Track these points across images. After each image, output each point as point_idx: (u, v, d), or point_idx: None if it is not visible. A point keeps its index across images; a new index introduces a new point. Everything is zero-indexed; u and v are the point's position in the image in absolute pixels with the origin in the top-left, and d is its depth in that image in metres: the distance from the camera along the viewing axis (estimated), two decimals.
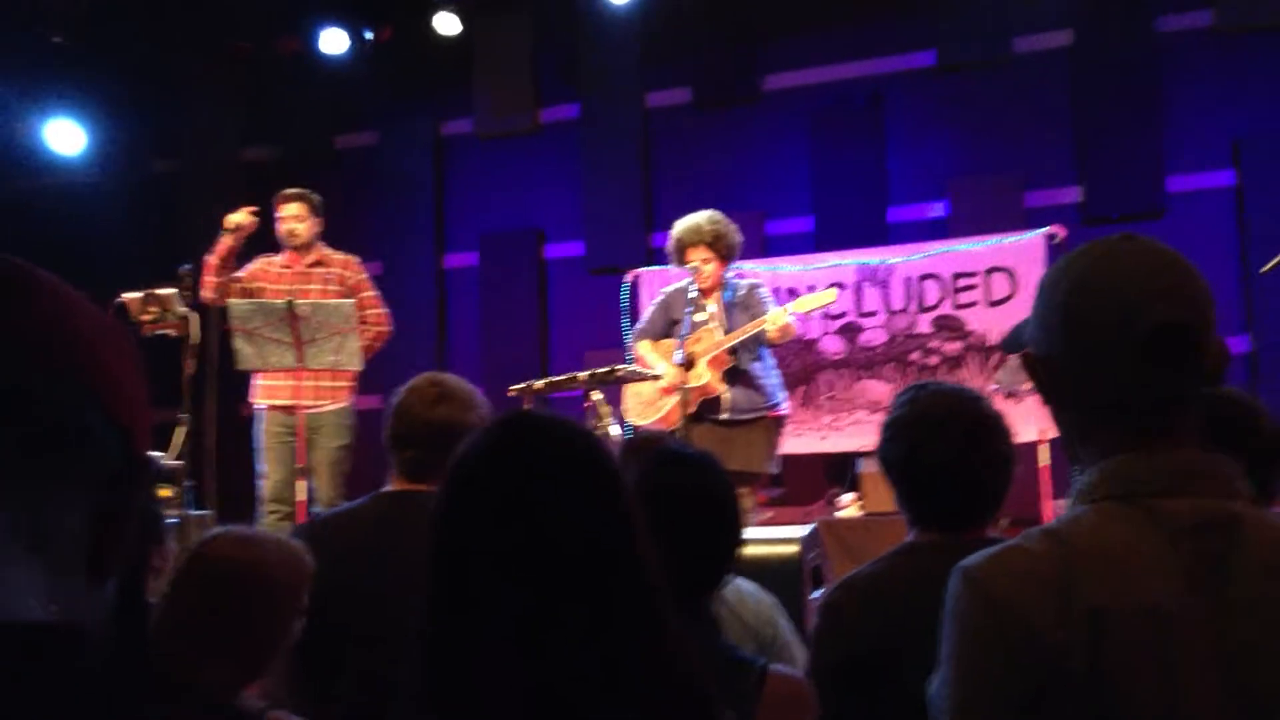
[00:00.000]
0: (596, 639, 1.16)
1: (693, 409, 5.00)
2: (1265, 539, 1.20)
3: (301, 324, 5.03)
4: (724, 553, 1.86)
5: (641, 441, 1.99)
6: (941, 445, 2.02)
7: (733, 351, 5.11)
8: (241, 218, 5.47)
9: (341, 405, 5.61)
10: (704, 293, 5.20)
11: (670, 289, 5.44)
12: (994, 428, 2.07)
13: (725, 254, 5.20)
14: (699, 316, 5.14)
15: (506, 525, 1.19)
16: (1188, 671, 1.14)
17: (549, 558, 1.18)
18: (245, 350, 5.12)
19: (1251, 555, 1.18)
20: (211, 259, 5.51)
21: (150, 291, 5.24)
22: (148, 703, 0.63)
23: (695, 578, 1.81)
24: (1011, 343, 1.55)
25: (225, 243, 5.47)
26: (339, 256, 5.76)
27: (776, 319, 4.91)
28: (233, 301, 5.18)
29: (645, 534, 1.24)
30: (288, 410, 5.46)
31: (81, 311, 0.75)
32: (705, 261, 5.14)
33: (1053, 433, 5.45)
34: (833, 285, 6.96)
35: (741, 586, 2.39)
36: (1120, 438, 1.26)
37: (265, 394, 5.58)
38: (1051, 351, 1.32)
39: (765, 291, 5.33)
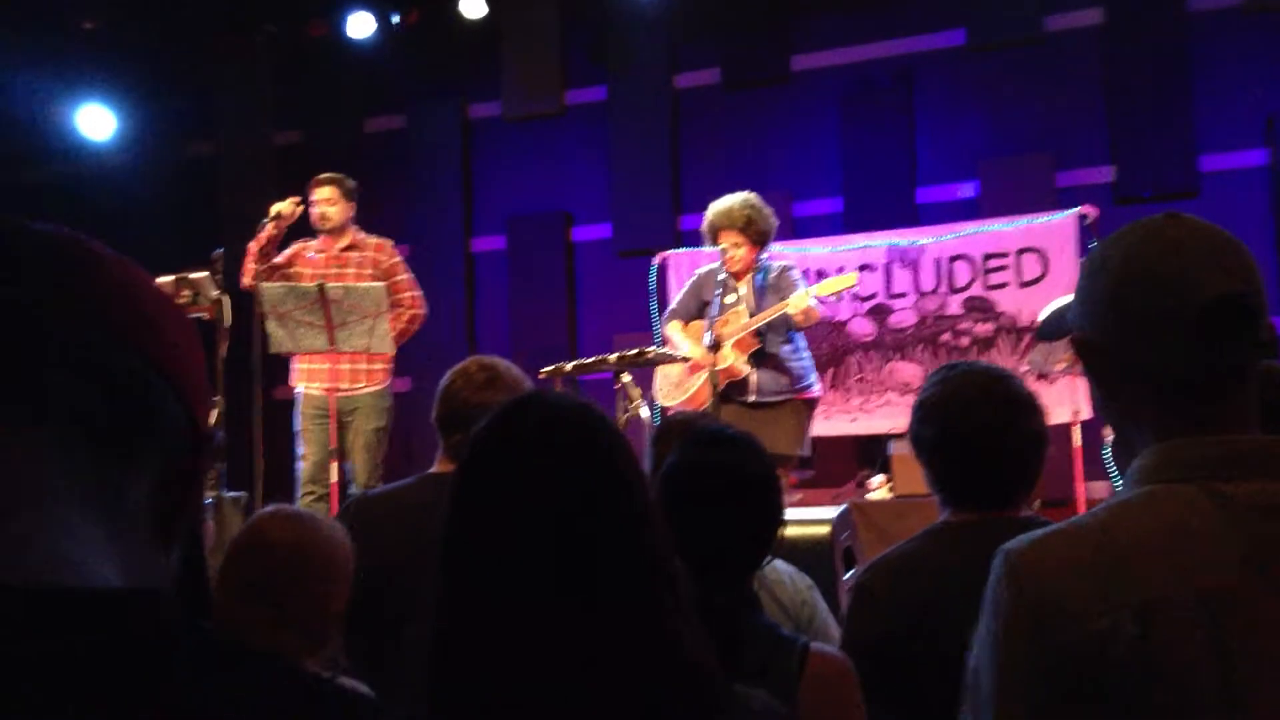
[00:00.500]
0: (603, 625, 1.16)
1: (720, 390, 5.01)
2: None
3: (333, 307, 5.07)
4: (766, 533, 1.86)
5: (681, 422, 2.00)
6: (974, 424, 2.01)
7: (759, 334, 5.11)
8: (286, 207, 5.54)
9: (378, 387, 5.66)
10: (735, 275, 5.20)
11: (702, 270, 5.44)
12: (1026, 407, 2.05)
13: (756, 239, 5.19)
14: (729, 299, 5.15)
15: (512, 509, 1.20)
16: (1248, 662, 1.11)
17: (555, 542, 1.18)
18: (278, 333, 5.17)
19: None
20: (253, 246, 5.56)
21: (182, 275, 5.28)
22: (221, 668, 0.64)
23: (738, 558, 1.81)
24: (1048, 330, 1.53)
25: (268, 231, 5.53)
26: (373, 240, 5.79)
27: (798, 302, 4.90)
28: (265, 285, 5.23)
29: (658, 519, 1.24)
30: (325, 393, 5.51)
31: (144, 284, 0.76)
32: (735, 245, 5.14)
33: (1085, 414, 5.42)
34: (858, 268, 6.95)
35: (778, 567, 2.39)
36: (1177, 418, 1.24)
37: (303, 377, 5.64)
38: (1102, 333, 1.30)
39: (797, 273, 5.32)
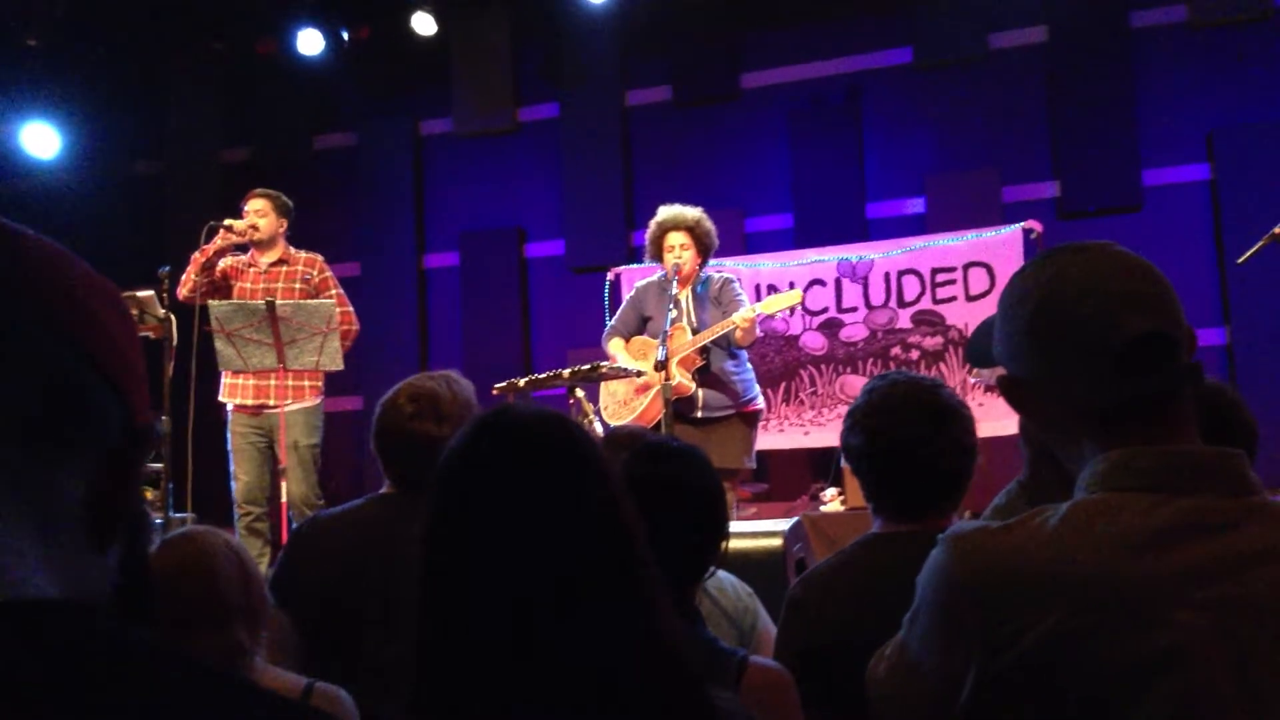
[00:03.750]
0: (587, 626, 1.16)
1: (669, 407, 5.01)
2: (1270, 535, 1.18)
3: (282, 325, 5.03)
4: (709, 545, 1.86)
5: (624, 435, 1.99)
6: (898, 432, 2.03)
7: (703, 351, 5.12)
8: (240, 224, 5.55)
9: (309, 404, 5.58)
10: (679, 283, 5.19)
11: (641, 284, 5.45)
12: (951, 415, 2.06)
13: (702, 241, 5.21)
14: (673, 313, 5.14)
15: (490, 522, 1.20)
16: (1185, 673, 1.12)
17: (535, 549, 1.18)
18: (226, 351, 5.12)
19: (1256, 553, 1.17)
20: (198, 256, 5.52)
21: (129, 294, 5.22)
22: (157, 680, 0.61)
23: (679, 570, 1.81)
24: (976, 356, 1.54)
25: (216, 244, 5.50)
26: (303, 255, 5.76)
27: (743, 320, 4.91)
28: (213, 303, 5.18)
29: (635, 519, 1.25)
30: (254, 411, 5.47)
31: (74, 268, 0.72)
32: (684, 247, 5.16)
33: None
34: (809, 283, 7.00)
35: (722, 578, 2.40)
36: (1117, 435, 1.26)
37: (230, 393, 5.57)
38: (1028, 373, 1.33)
39: (738, 287, 5.32)
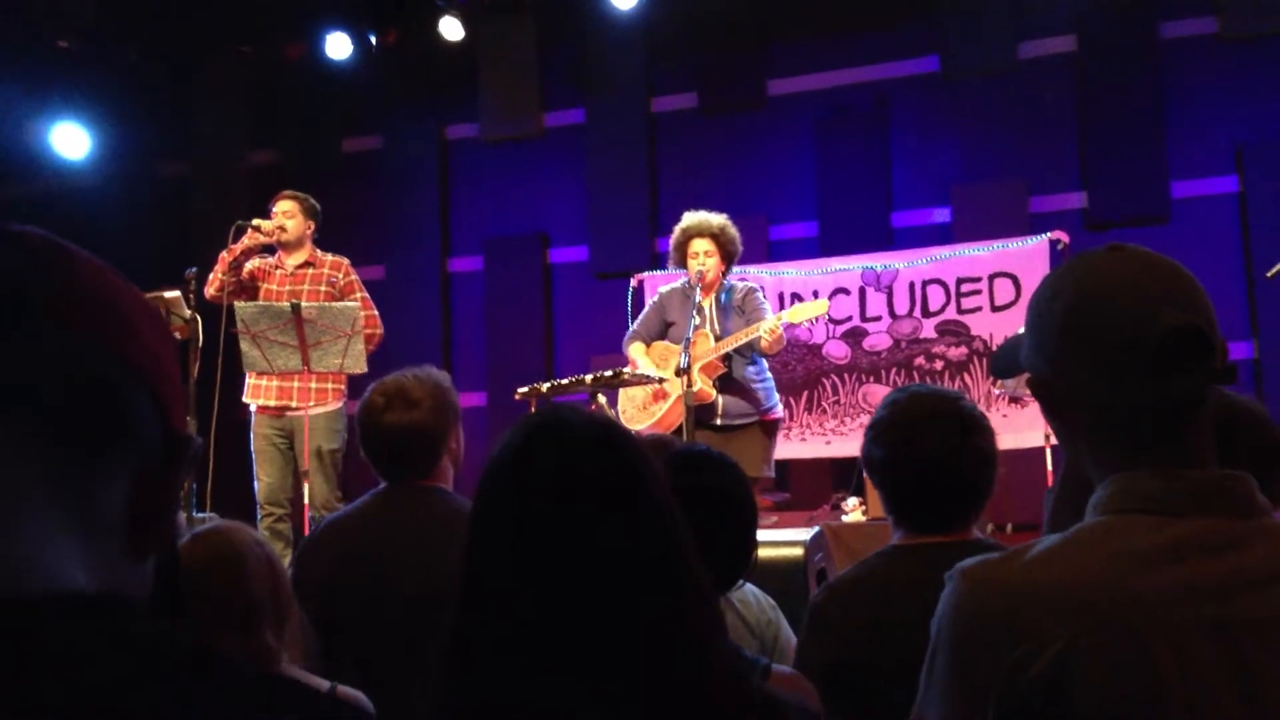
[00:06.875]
0: (634, 625, 1.16)
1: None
2: (1276, 556, 1.17)
3: (307, 327, 5.06)
4: (741, 554, 1.85)
5: (655, 442, 1.98)
6: (922, 443, 2.03)
7: (725, 358, 5.12)
8: (267, 224, 5.59)
9: (332, 407, 5.59)
10: (702, 289, 5.19)
11: (665, 289, 5.45)
12: (974, 426, 2.06)
13: (727, 248, 5.21)
14: (696, 320, 5.14)
15: (533, 527, 1.19)
16: (1179, 698, 1.11)
17: (578, 556, 1.17)
18: (251, 353, 5.16)
19: (1261, 574, 1.16)
20: (225, 255, 5.56)
21: (156, 294, 5.25)
22: (193, 673, 0.63)
23: (714, 579, 1.80)
24: (1000, 367, 1.52)
25: (244, 243, 5.54)
26: (330, 258, 5.79)
27: (769, 329, 4.91)
28: (239, 305, 5.22)
29: (682, 525, 1.24)
30: (276, 412, 5.49)
31: (119, 286, 0.75)
32: (707, 254, 5.17)
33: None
34: (833, 291, 6.99)
35: (747, 590, 2.40)
36: (1136, 453, 1.24)
37: (254, 394, 5.60)
38: (1057, 370, 1.30)
39: (762, 296, 5.33)
